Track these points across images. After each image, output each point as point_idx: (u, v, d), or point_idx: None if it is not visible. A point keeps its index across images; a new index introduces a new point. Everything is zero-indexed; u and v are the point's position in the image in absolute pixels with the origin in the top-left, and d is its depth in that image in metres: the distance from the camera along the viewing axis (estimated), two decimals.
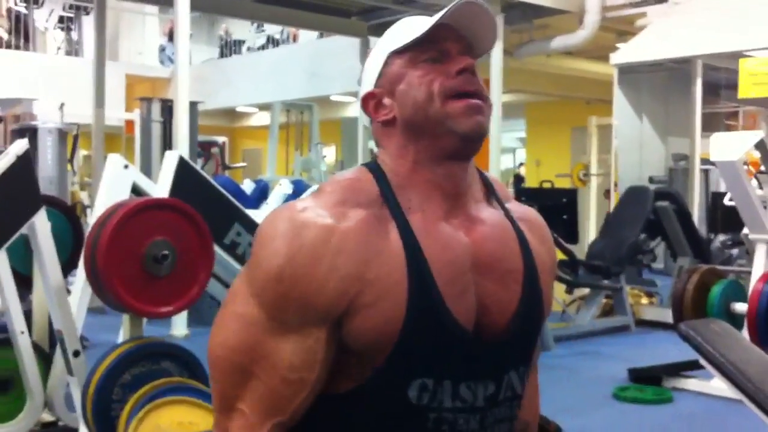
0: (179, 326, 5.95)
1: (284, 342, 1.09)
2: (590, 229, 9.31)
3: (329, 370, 1.12)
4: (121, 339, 3.21)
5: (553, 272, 1.30)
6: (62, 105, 9.18)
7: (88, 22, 12.98)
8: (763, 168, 4.69)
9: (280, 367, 1.09)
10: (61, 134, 7.72)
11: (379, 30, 8.83)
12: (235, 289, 1.15)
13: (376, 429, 1.14)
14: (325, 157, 11.35)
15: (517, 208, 1.28)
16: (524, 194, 7.75)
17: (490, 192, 1.24)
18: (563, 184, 10.64)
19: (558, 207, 6.71)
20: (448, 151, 1.16)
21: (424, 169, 1.16)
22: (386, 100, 1.18)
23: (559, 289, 6.52)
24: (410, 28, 1.19)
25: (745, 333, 4.26)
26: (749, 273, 4.73)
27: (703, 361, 2.20)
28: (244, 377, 1.11)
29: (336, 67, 11.18)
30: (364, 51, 8.91)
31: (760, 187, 4.77)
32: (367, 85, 1.21)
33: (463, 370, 1.14)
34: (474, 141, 1.17)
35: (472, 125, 1.16)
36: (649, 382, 4.78)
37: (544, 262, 1.25)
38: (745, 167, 4.82)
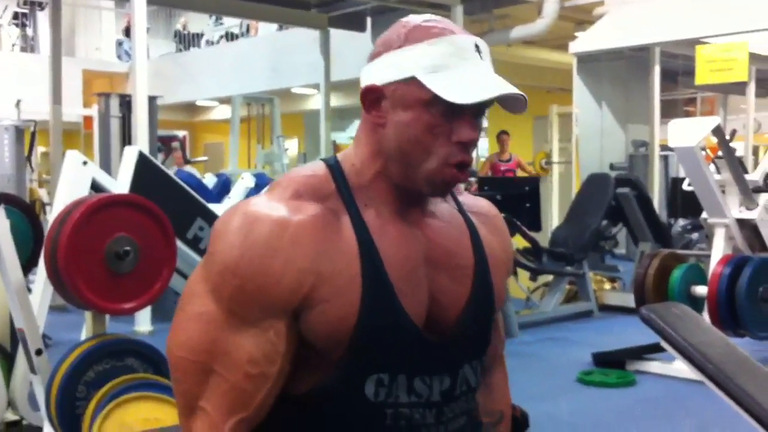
0: (143, 322, 5.91)
1: (244, 336, 1.09)
2: (553, 216, 9.38)
3: (291, 363, 1.12)
4: (83, 336, 3.18)
5: (506, 263, 1.31)
6: (18, 102, 9.05)
7: (44, 18, 12.77)
8: (720, 153, 4.76)
9: (242, 362, 1.09)
10: (18, 132, 7.62)
11: (339, 22, 8.79)
12: (191, 289, 1.14)
13: (337, 431, 1.14)
14: (287, 150, 11.29)
15: (471, 201, 1.30)
16: (487, 183, 7.78)
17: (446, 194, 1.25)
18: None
19: (521, 195, 6.75)
20: (414, 189, 1.16)
21: (386, 182, 1.16)
22: (385, 104, 1.14)
23: (523, 276, 6.57)
24: (451, 59, 1.11)
25: (705, 315, 4.33)
26: (709, 256, 4.80)
27: (664, 344, 2.23)
28: (205, 376, 1.10)
29: (297, 60, 11.13)
30: (325, 43, 8.87)
31: (718, 172, 4.84)
32: (376, 77, 1.15)
33: (416, 365, 1.14)
34: (438, 196, 1.21)
35: (445, 192, 1.19)
36: (613, 366, 4.83)
37: (496, 255, 1.26)
38: (703, 152, 4.89)
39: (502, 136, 9.88)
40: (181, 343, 1.12)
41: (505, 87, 1.10)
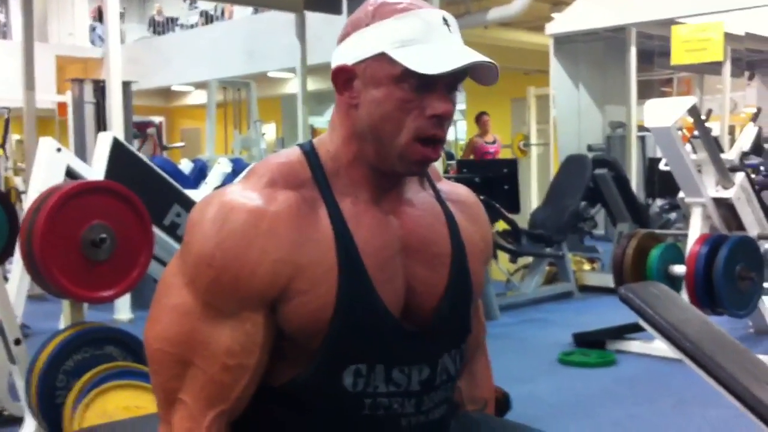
0: (122, 310, 5.87)
1: (221, 328, 1.08)
2: (532, 198, 9.41)
3: (269, 355, 1.11)
4: (62, 325, 3.15)
5: (485, 251, 1.31)
6: None
7: (16, 3, 12.60)
8: (696, 133, 4.78)
9: (219, 354, 1.08)
10: None
11: (314, 4, 8.73)
12: (167, 280, 1.13)
13: (316, 421, 1.14)
14: (264, 134, 11.23)
15: (449, 188, 1.28)
16: (465, 166, 7.78)
17: (422, 174, 1.24)
18: (505, 154, 10.72)
19: (499, 177, 6.75)
20: (389, 170, 1.15)
21: (363, 166, 1.15)
22: (357, 84, 1.12)
23: (503, 258, 6.58)
24: (419, 33, 1.10)
25: (683, 294, 4.36)
26: (686, 236, 4.83)
27: (643, 323, 2.25)
28: (183, 368, 1.09)
29: (273, 44, 11.06)
30: (301, 26, 8.82)
31: (695, 152, 4.86)
32: (346, 57, 1.13)
33: (394, 355, 1.14)
34: (413, 175, 1.20)
35: (419, 170, 1.17)
36: (593, 346, 4.86)
37: (473, 243, 1.25)
38: (680, 132, 4.90)
39: (482, 117, 9.78)
40: (158, 336, 1.11)
41: (474, 56, 1.09)
